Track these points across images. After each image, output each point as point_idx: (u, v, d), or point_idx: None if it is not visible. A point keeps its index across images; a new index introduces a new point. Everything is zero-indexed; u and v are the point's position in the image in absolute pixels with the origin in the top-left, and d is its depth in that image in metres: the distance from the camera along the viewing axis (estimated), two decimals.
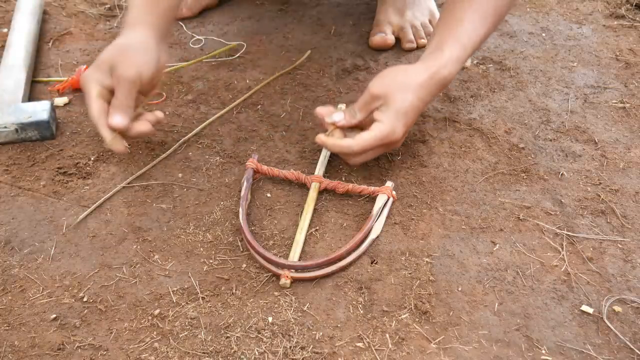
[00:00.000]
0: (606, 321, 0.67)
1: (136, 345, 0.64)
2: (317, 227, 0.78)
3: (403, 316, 0.67)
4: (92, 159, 0.88)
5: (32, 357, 0.63)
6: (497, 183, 0.85)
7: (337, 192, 0.82)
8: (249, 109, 0.98)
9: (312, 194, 0.80)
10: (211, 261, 0.74)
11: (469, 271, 0.73)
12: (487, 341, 0.65)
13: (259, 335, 0.65)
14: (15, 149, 0.89)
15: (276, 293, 0.70)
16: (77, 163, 0.87)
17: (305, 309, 0.68)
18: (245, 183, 0.81)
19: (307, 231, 0.76)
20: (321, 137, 0.81)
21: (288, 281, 0.70)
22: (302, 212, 0.78)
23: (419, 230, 0.78)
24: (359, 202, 0.82)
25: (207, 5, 1.24)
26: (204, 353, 0.64)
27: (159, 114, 0.83)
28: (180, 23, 1.19)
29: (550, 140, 0.92)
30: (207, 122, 0.94)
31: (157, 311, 0.68)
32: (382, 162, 0.87)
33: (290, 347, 0.64)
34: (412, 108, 0.79)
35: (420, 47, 1.12)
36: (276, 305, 0.68)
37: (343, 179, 0.85)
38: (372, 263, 0.73)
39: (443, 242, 0.76)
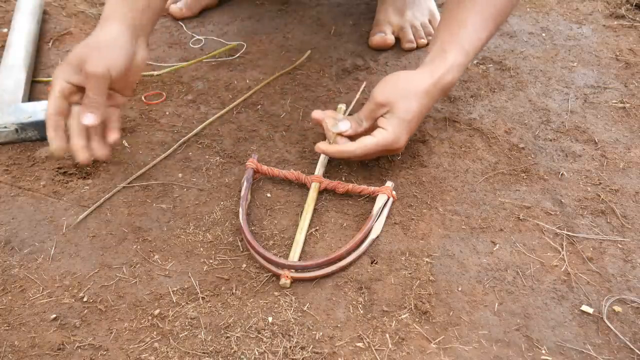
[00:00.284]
0: (606, 321, 0.67)
1: (136, 345, 0.64)
2: (317, 227, 0.78)
3: (403, 316, 0.67)
4: (92, 159, 0.87)
5: (32, 357, 0.63)
6: (497, 183, 0.85)
7: (337, 192, 0.82)
8: (249, 109, 0.98)
9: (312, 194, 0.80)
10: (211, 261, 0.74)
11: (469, 271, 0.73)
12: (487, 341, 0.65)
13: (259, 335, 0.65)
14: (15, 149, 0.89)
15: (276, 293, 0.70)
16: (77, 163, 0.86)
17: (305, 309, 0.68)
18: (245, 183, 0.81)
19: (307, 231, 0.76)
20: (321, 147, 0.81)
21: (288, 281, 0.70)
22: (302, 212, 0.78)
23: (419, 230, 0.78)
24: (359, 202, 0.82)
25: (207, 5, 1.24)
26: (204, 353, 0.64)
27: (114, 136, 0.77)
28: (180, 23, 1.19)
29: (550, 140, 0.92)
30: (207, 122, 0.94)
31: (157, 311, 0.68)
32: (382, 162, 0.87)
33: (290, 347, 0.64)
34: (417, 115, 0.79)
35: (420, 47, 1.12)
36: (276, 305, 0.68)
37: (343, 179, 0.85)
38: (372, 263, 0.73)
39: (443, 242, 0.76)
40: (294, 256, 0.73)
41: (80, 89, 0.74)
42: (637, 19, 1.23)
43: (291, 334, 0.65)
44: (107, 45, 0.75)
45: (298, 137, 0.92)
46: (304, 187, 0.83)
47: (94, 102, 0.73)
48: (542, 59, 1.10)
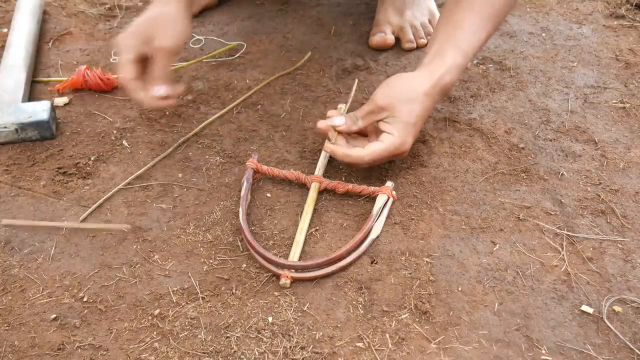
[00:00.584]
0: (606, 321, 0.67)
1: (136, 345, 0.64)
2: (317, 227, 0.78)
3: (403, 316, 0.67)
4: (92, 159, 0.88)
5: (32, 357, 0.63)
6: (497, 183, 0.85)
7: (337, 192, 0.82)
8: (249, 109, 0.98)
9: (312, 194, 0.80)
10: (211, 261, 0.74)
11: (469, 271, 0.73)
12: (487, 341, 0.65)
13: (259, 335, 0.65)
14: (15, 149, 0.89)
15: (276, 293, 0.70)
16: (77, 163, 0.87)
17: (305, 309, 0.68)
18: (245, 183, 0.81)
19: (307, 231, 0.76)
20: (330, 146, 0.82)
21: (288, 281, 0.70)
22: (302, 212, 0.78)
23: (419, 230, 0.78)
24: (359, 202, 0.82)
25: (207, 5, 1.24)
26: (204, 353, 0.64)
27: (180, 88, 0.86)
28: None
29: (550, 140, 0.92)
30: (207, 122, 0.94)
31: (157, 311, 0.68)
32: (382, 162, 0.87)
33: (290, 347, 0.64)
34: (419, 118, 0.80)
35: (420, 47, 1.12)
36: (276, 305, 0.68)
37: (343, 179, 0.85)
38: (372, 263, 0.73)
39: (443, 242, 0.76)
40: (294, 256, 0.73)
41: (143, 59, 0.81)
42: (637, 19, 1.23)
43: (291, 334, 0.65)
44: (173, 20, 0.82)
45: (298, 137, 0.92)
46: (304, 187, 0.83)
47: (163, 74, 0.81)
48: (542, 59, 1.10)
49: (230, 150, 0.90)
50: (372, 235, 0.75)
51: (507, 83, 1.04)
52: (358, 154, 0.79)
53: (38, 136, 0.90)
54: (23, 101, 0.94)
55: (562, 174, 0.86)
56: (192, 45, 1.13)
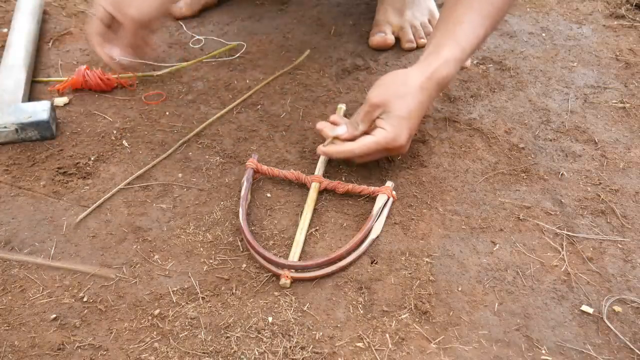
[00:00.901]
0: (606, 321, 0.67)
1: (136, 345, 0.64)
2: (317, 227, 0.78)
3: (403, 316, 0.67)
4: (92, 159, 0.88)
5: (32, 357, 0.63)
6: (497, 183, 0.85)
7: (337, 192, 0.82)
8: (249, 109, 0.98)
9: (312, 194, 0.80)
10: (211, 261, 0.74)
11: (469, 271, 0.73)
12: (487, 341, 0.65)
13: (259, 335, 0.65)
14: (15, 149, 0.89)
15: (276, 293, 0.70)
16: (77, 163, 0.87)
17: (305, 309, 0.68)
18: (245, 183, 0.81)
19: (307, 231, 0.76)
20: (322, 149, 0.82)
21: (288, 281, 0.70)
22: (302, 212, 0.78)
23: (419, 230, 0.78)
24: (359, 202, 0.82)
25: (207, 4, 1.24)
26: (204, 353, 0.64)
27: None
28: (181, 23, 1.19)
29: (550, 140, 0.92)
30: (207, 122, 0.94)
31: (157, 311, 0.68)
32: (382, 162, 0.87)
33: (290, 347, 0.64)
34: (414, 112, 0.79)
35: (420, 47, 1.12)
36: (276, 305, 0.68)
37: (343, 179, 0.85)
38: (372, 263, 0.73)
39: (443, 242, 0.76)
40: (294, 256, 0.73)
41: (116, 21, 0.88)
42: (637, 19, 1.23)
43: (291, 334, 0.65)
44: None
45: (298, 137, 0.92)
46: (304, 187, 0.83)
47: (126, 42, 0.87)
48: (542, 59, 1.11)
49: (230, 150, 0.90)
50: (372, 235, 0.75)
51: (507, 83, 1.04)
52: (349, 147, 0.80)
53: (38, 136, 0.90)
54: (23, 101, 0.94)
55: (562, 174, 0.86)
56: (192, 45, 1.13)
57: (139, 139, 0.91)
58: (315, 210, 0.80)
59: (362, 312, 0.68)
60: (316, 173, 0.83)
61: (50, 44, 1.13)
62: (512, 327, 0.67)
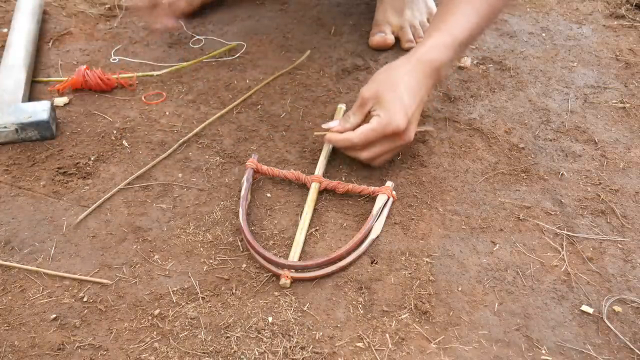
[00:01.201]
0: (606, 321, 0.67)
1: (136, 345, 0.64)
2: (317, 227, 0.78)
3: (403, 316, 0.67)
4: (92, 159, 0.88)
5: (32, 357, 0.63)
6: (497, 183, 0.85)
7: (337, 192, 0.82)
8: (249, 109, 0.98)
9: (312, 194, 0.80)
10: (211, 261, 0.74)
11: (469, 271, 0.73)
12: (487, 341, 0.65)
13: (259, 335, 0.65)
14: (15, 149, 0.89)
15: (276, 293, 0.70)
16: (77, 163, 0.87)
17: (305, 309, 0.68)
18: (245, 183, 0.81)
19: (307, 231, 0.76)
20: (327, 135, 0.83)
21: (288, 281, 0.70)
22: (302, 212, 0.78)
23: (419, 230, 0.78)
24: (359, 202, 0.82)
25: (206, 1, 1.23)
26: (204, 353, 0.64)
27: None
28: (181, 22, 1.19)
29: (550, 140, 0.92)
30: (207, 122, 0.94)
31: (157, 311, 0.68)
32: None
33: (290, 347, 0.64)
34: (405, 94, 0.79)
35: None
36: (276, 305, 0.68)
37: (343, 179, 0.85)
38: (372, 263, 0.73)
39: (443, 242, 0.76)
40: (294, 256, 0.73)
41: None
42: (637, 19, 1.23)
43: (291, 334, 0.65)
44: None
45: (298, 137, 0.92)
46: (304, 187, 0.83)
47: (169, 12, 1.05)
48: (542, 59, 1.11)
49: (230, 150, 0.90)
50: (372, 235, 0.75)
51: (507, 83, 1.04)
52: (348, 136, 0.80)
53: (38, 136, 0.90)
54: (23, 101, 0.94)
55: (562, 174, 0.86)
56: (192, 45, 1.13)
57: (139, 139, 0.91)
58: (315, 210, 0.80)
59: (362, 312, 0.68)
60: (316, 173, 0.83)
61: (50, 44, 1.13)
62: (512, 327, 0.67)
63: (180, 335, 0.65)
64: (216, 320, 0.67)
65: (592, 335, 0.66)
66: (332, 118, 0.95)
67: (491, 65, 1.09)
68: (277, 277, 0.71)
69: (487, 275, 0.72)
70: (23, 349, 0.64)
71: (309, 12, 1.24)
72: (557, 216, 0.80)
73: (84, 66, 1.00)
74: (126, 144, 0.90)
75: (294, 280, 0.71)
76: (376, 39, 1.11)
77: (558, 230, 0.78)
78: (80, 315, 0.67)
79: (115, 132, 0.93)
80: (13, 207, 0.80)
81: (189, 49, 1.12)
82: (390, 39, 1.12)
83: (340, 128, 0.83)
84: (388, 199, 0.79)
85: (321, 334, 0.66)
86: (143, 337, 0.65)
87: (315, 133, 0.87)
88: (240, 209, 0.77)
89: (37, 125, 0.89)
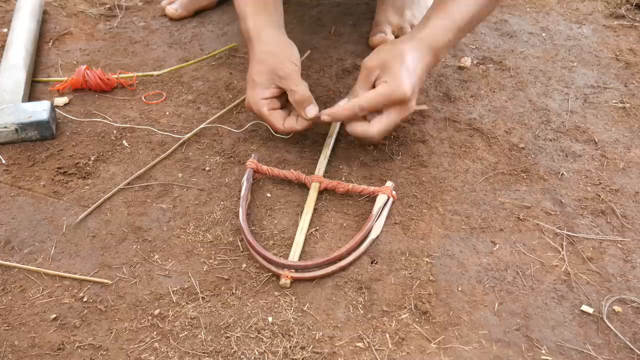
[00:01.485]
0: (606, 321, 0.67)
1: (136, 345, 0.64)
2: (317, 227, 0.78)
3: (403, 316, 0.67)
4: (92, 159, 0.88)
5: (32, 357, 0.63)
6: (497, 183, 0.85)
7: (337, 192, 0.82)
8: None
9: (312, 194, 0.80)
10: (211, 261, 0.74)
11: (469, 271, 0.73)
12: (487, 341, 0.65)
13: (259, 335, 0.65)
14: (15, 149, 0.89)
15: (276, 293, 0.70)
16: (77, 163, 0.87)
17: (305, 309, 0.68)
18: (245, 183, 0.81)
19: (307, 231, 0.76)
20: (326, 111, 0.82)
21: (288, 281, 0.70)
22: (302, 212, 0.78)
23: (419, 230, 0.78)
24: (359, 202, 0.82)
25: (205, 7, 1.24)
26: (204, 353, 0.64)
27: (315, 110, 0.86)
28: (181, 23, 1.19)
29: (550, 140, 0.92)
30: (207, 122, 0.94)
31: (157, 311, 0.68)
32: (382, 162, 0.87)
33: (290, 347, 0.64)
34: (411, 66, 0.79)
35: None
36: (276, 305, 0.68)
37: (343, 179, 0.85)
38: (372, 263, 0.73)
39: (443, 242, 0.76)
40: (294, 256, 0.73)
41: (276, 98, 0.85)
42: (637, 19, 1.23)
43: (291, 334, 0.65)
44: (281, 47, 0.86)
45: (298, 137, 0.92)
46: (304, 187, 0.83)
47: (302, 94, 0.82)
48: (542, 59, 1.11)
49: (230, 150, 0.90)
50: (372, 235, 0.75)
51: (507, 83, 1.04)
52: (354, 103, 0.80)
53: (38, 136, 0.90)
54: (23, 101, 0.94)
55: (562, 174, 0.86)
56: (192, 45, 1.13)
57: (139, 139, 0.91)
58: (315, 210, 0.80)
59: (362, 312, 0.68)
60: (316, 173, 0.83)
61: (50, 44, 1.13)
62: (512, 327, 0.67)
63: (180, 335, 0.65)
64: (216, 320, 0.67)
65: (592, 335, 0.66)
66: None
67: (491, 65, 1.09)
68: (277, 277, 0.71)
69: (487, 275, 0.72)
70: (23, 349, 0.64)
71: (308, 12, 1.24)
72: (557, 216, 0.80)
73: (84, 66, 1.01)
74: (126, 144, 0.90)
75: (294, 280, 0.71)
76: (376, 39, 1.11)
77: (558, 230, 0.78)
78: (80, 315, 0.67)
79: (115, 132, 0.93)
80: (13, 207, 0.80)
81: (189, 49, 1.12)
82: (391, 39, 1.12)
83: (350, 105, 0.81)
84: (388, 199, 0.79)
85: (321, 334, 0.66)
86: (143, 337, 0.65)
87: (325, 111, 0.83)
88: (240, 209, 0.77)
89: (37, 125, 0.89)
